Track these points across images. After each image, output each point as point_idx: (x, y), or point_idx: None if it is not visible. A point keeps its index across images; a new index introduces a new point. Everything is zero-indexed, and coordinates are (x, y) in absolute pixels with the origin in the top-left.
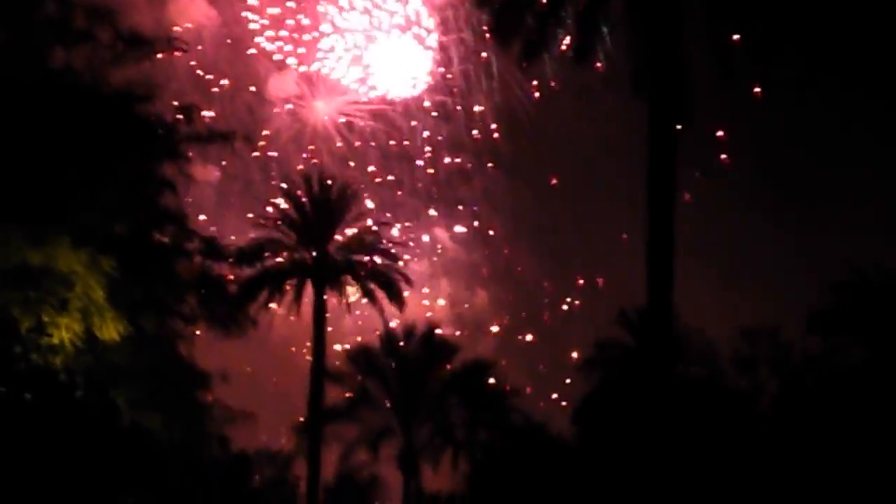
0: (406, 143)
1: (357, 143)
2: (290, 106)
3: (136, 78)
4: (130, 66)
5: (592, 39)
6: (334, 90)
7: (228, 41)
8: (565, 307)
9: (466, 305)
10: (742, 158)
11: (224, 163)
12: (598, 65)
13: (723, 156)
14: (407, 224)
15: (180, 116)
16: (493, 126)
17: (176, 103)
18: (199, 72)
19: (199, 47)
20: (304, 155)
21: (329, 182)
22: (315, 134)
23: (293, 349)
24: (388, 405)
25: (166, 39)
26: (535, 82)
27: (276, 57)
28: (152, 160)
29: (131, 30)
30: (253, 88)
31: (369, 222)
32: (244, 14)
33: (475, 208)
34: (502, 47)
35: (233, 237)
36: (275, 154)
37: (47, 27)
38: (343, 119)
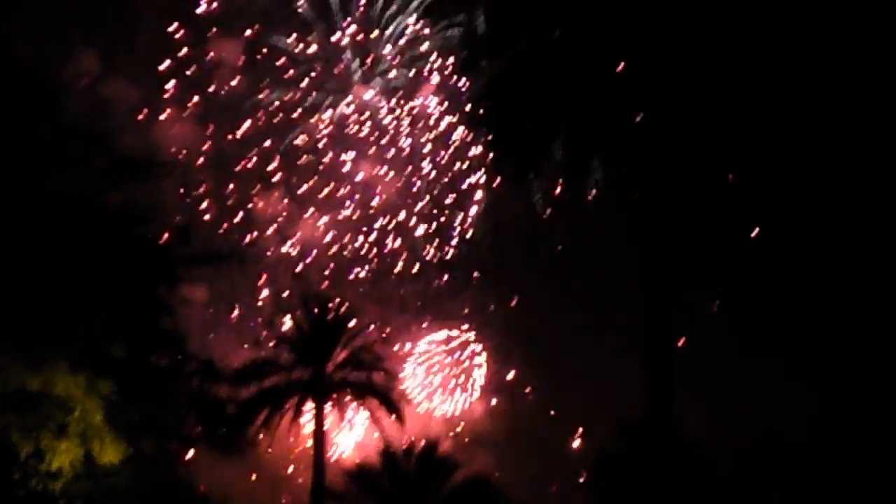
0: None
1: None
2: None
3: (131, 200)
4: (125, 189)
5: (584, 165)
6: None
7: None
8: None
9: (462, 422)
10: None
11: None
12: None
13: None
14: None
15: (174, 238)
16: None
17: (171, 225)
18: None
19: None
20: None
21: (328, 303)
22: (303, 252)
23: (290, 467)
24: None
25: (160, 164)
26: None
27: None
28: (148, 282)
29: (124, 154)
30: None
31: (367, 339)
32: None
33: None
34: (496, 169)
35: (222, 357)
36: (263, 274)
37: (42, 152)
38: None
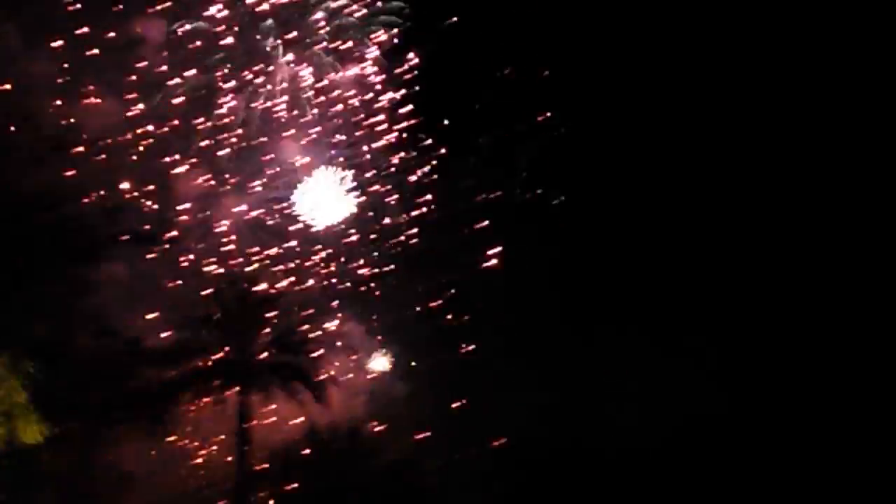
0: None
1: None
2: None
3: (55, 180)
4: (51, 169)
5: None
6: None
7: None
8: None
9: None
10: None
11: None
12: None
13: None
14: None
15: (98, 217)
16: None
17: (95, 205)
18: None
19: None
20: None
21: (253, 283)
22: (227, 233)
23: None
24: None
25: (91, 142)
26: None
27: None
28: (70, 261)
29: (52, 133)
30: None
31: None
32: None
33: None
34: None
35: (146, 337)
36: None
37: None
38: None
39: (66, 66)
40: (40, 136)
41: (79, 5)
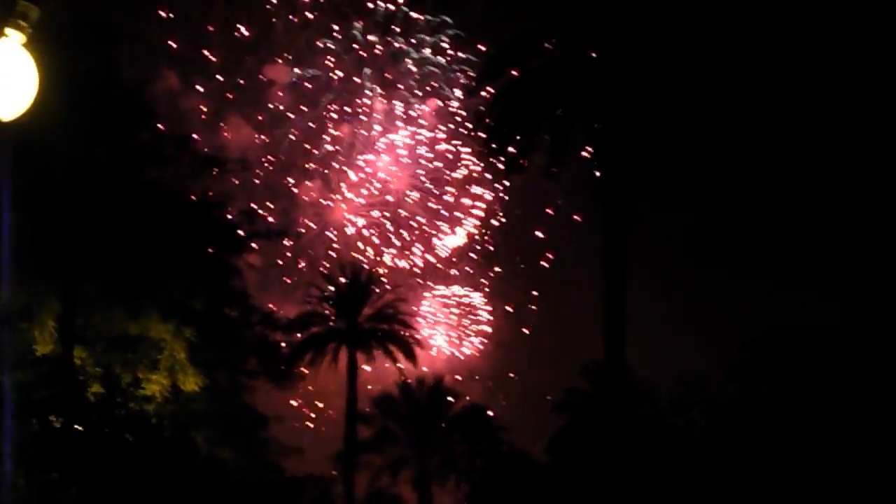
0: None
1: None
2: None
3: (208, 189)
4: (204, 180)
5: (561, 158)
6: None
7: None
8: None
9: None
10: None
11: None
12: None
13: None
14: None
15: (242, 218)
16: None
17: (239, 210)
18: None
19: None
20: (334, 246)
21: (360, 269)
22: (336, 229)
23: (320, 397)
24: (406, 440)
25: (234, 161)
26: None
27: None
28: (223, 252)
29: (206, 153)
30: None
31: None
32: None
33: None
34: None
35: (277, 310)
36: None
37: (143, 152)
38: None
39: (210, 102)
40: (197, 156)
41: (222, 54)
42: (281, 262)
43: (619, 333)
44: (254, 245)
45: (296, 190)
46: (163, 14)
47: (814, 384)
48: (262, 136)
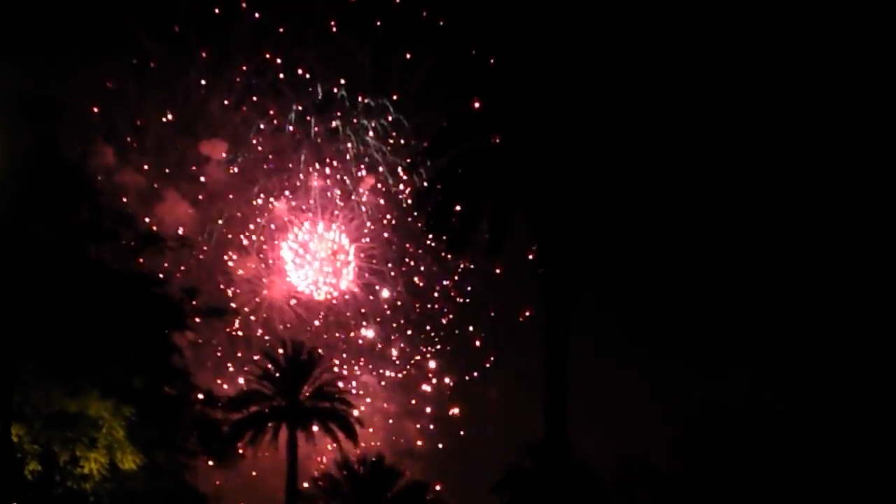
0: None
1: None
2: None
3: (151, 264)
4: (147, 256)
5: (501, 240)
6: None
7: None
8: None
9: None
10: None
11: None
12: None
13: None
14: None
15: (183, 296)
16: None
17: (181, 287)
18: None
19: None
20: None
21: (301, 347)
22: (271, 307)
23: (257, 475)
24: None
25: (177, 239)
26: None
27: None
28: (163, 329)
29: (148, 231)
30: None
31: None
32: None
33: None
34: (435, 241)
35: (214, 389)
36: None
37: (83, 229)
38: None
39: (146, 178)
40: (137, 233)
41: (157, 130)
42: (215, 340)
43: (560, 411)
44: (195, 322)
45: (232, 265)
46: (98, 89)
47: (755, 457)
48: (196, 213)
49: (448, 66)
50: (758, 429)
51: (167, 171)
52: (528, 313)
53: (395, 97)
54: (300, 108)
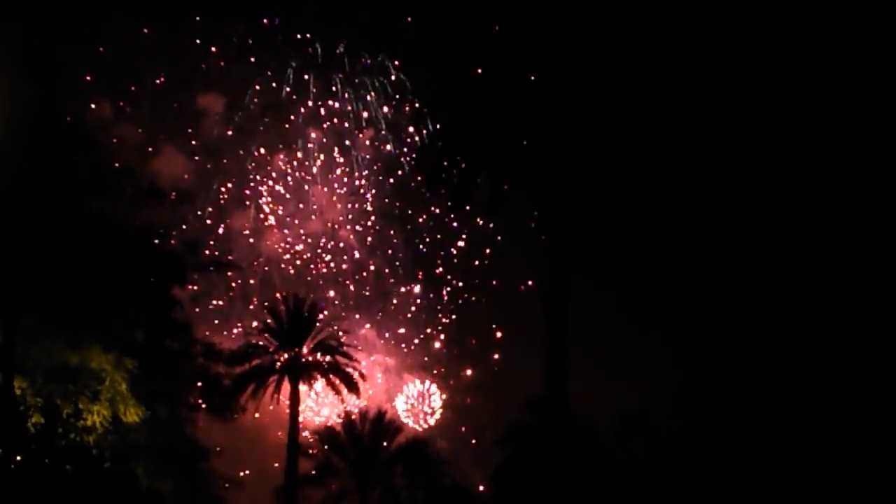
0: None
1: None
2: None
3: (158, 219)
4: (148, 210)
5: (500, 195)
6: (286, 223)
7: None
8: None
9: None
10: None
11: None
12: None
13: None
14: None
15: (185, 249)
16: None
17: (183, 240)
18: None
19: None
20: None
21: (303, 300)
22: (269, 259)
23: (270, 430)
24: (348, 473)
25: (179, 193)
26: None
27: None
28: (165, 283)
29: (149, 184)
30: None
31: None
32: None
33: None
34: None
35: (219, 342)
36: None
37: (84, 182)
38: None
39: (143, 131)
40: (139, 187)
41: (158, 80)
42: (213, 293)
43: (560, 366)
44: (196, 276)
45: (229, 220)
46: (97, 44)
47: (753, 416)
48: (193, 167)
49: (449, 28)
50: (756, 389)
51: (164, 125)
52: (530, 282)
53: (396, 63)
54: (297, 65)
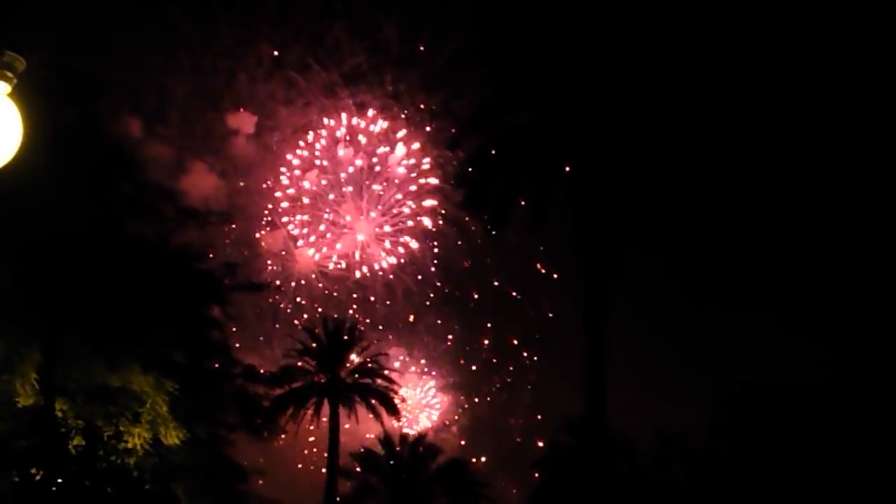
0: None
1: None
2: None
3: (193, 239)
4: (187, 231)
5: (541, 214)
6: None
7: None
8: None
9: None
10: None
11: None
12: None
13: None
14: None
15: (223, 271)
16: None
17: (222, 262)
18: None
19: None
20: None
21: (342, 323)
22: (299, 282)
23: (306, 451)
24: (387, 494)
25: (218, 214)
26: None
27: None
28: (204, 304)
29: (188, 206)
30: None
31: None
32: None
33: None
34: (474, 215)
35: (259, 364)
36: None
37: (124, 203)
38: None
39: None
40: (178, 208)
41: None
42: (247, 314)
43: (599, 388)
44: (234, 297)
45: (259, 238)
46: (124, 60)
47: (794, 434)
48: (224, 185)
49: (482, 44)
50: (799, 404)
51: (193, 143)
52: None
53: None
54: (327, 82)
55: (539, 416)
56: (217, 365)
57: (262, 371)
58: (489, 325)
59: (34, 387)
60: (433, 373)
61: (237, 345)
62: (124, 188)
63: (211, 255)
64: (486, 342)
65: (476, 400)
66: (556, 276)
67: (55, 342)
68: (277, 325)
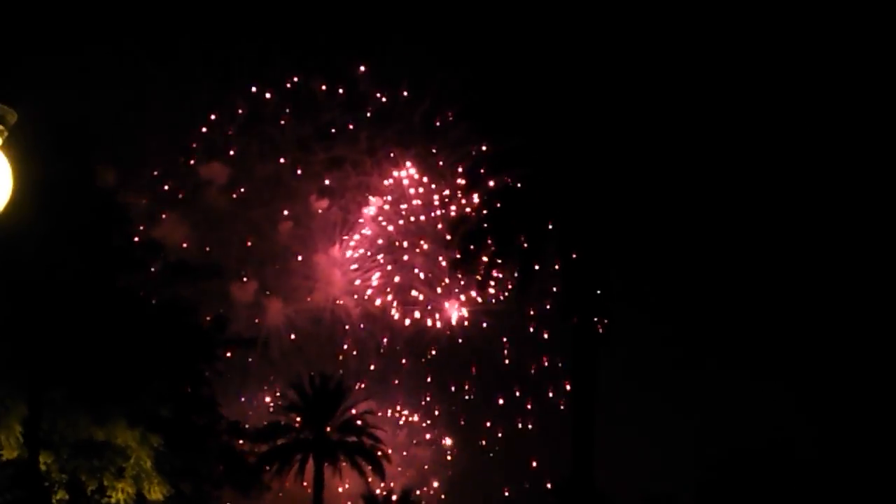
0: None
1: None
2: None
3: (180, 292)
4: (177, 285)
5: (529, 280)
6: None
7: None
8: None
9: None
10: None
11: None
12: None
13: None
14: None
15: (212, 325)
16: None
17: (212, 316)
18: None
19: None
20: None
21: (328, 378)
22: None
23: None
24: None
25: (210, 269)
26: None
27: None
28: (191, 359)
29: (177, 260)
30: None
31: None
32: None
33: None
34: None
35: (241, 419)
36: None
37: (114, 257)
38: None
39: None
40: (168, 263)
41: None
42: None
43: (587, 451)
44: (225, 353)
45: (231, 292)
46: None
47: (780, 496)
48: (196, 236)
49: (473, 107)
50: (782, 469)
51: (166, 194)
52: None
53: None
54: (302, 135)
55: (526, 484)
56: (203, 420)
57: (246, 426)
58: (473, 383)
59: (19, 440)
60: (414, 423)
61: (222, 396)
62: (115, 241)
63: (201, 310)
64: (470, 397)
65: (459, 454)
66: (546, 335)
67: (41, 395)
68: (249, 377)
